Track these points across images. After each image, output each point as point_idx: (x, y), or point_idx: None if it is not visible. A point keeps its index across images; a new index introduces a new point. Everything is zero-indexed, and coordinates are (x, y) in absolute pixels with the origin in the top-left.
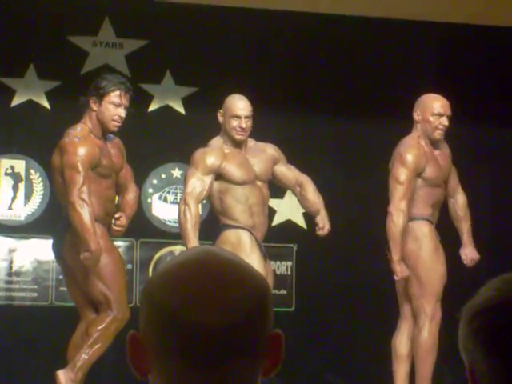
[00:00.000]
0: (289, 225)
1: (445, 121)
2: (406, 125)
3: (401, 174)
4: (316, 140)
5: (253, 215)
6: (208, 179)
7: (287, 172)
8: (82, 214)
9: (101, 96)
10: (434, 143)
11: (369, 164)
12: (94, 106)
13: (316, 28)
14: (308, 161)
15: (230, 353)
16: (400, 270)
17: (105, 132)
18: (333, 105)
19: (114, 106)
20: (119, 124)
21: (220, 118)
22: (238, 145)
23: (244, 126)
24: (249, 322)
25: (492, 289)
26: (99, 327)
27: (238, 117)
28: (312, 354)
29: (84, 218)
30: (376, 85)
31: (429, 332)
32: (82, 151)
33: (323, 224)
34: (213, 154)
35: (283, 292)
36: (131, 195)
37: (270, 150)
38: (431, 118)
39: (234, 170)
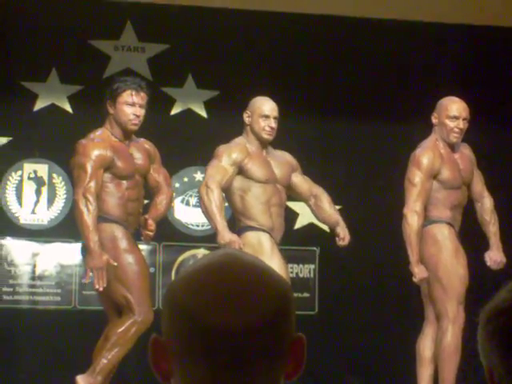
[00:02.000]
0: (311, 228)
1: (460, 124)
2: (425, 128)
3: (415, 175)
4: (334, 144)
5: (272, 216)
6: (230, 169)
7: (302, 182)
8: (84, 212)
9: (114, 98)
10: (452, 146)
11: (388, 167)
12: (111, 110)
13: (335, 31)
14: (326, 165)
15: (252, 356)
16: (418, 272)
17: (126, 133)
18: (352, 108)
19: (127, 106)
20: (137, 123)
21: (246, 119)
22: (261, 146)
23: (273, 125)
24: (271, 325)
25: (508, 290)
26: (119, 330)
27: (268, 117)
28: (335, 357)
29: (84, 216)
30: (397, 88)
31: (452, 335)
32: (91, 151)
33: (344, 234)
34: (237, 148)
35: (306, 295)
36: (161, 198)
37: (289, 157)
38: (447, 121)
39: (256, 167)
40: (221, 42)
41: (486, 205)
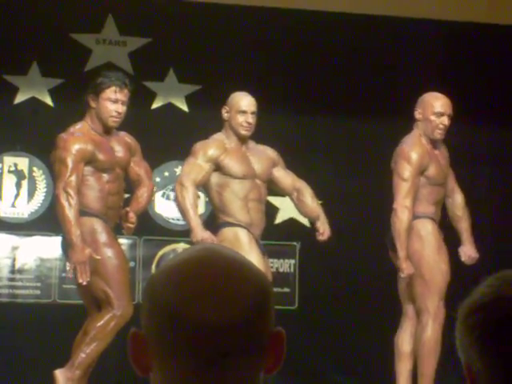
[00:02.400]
0: (292, 223)
1: (445, 120)
2: (407, 124)
3: (405, 171)
4: (317, 139)
5: (250, 211)
6: (206, 166)
7: (285, 176)
8: (65, 206)
9: (97, 93)
10: (433, 142)
11: (370, 162)
12: (93, 104)
13: (317, 26)
14: (309, 160)
15: (231, 350)
16: (406, 267)
17: (106, 128)
18: (334, 104)
19: (110, 102)
20: (118, 119)
21: (225, 115)
22: (239, 141)
23: (250, 121)
24: (250, 319)
25: (486, 286)
26: (98, 324)
27: (245, 112)
28: (315, 352)
29: (66, 210)
30: (378, 83)
31: (432, 330)
32: (71, 146)
33: (323, 229)
34: (213, 144)
35: (286, 290)
36: (142, 191)
37: (270, 152)
38: (432, 117)
39: (233, 163)
40: (202, 36)
41: (458, 200)
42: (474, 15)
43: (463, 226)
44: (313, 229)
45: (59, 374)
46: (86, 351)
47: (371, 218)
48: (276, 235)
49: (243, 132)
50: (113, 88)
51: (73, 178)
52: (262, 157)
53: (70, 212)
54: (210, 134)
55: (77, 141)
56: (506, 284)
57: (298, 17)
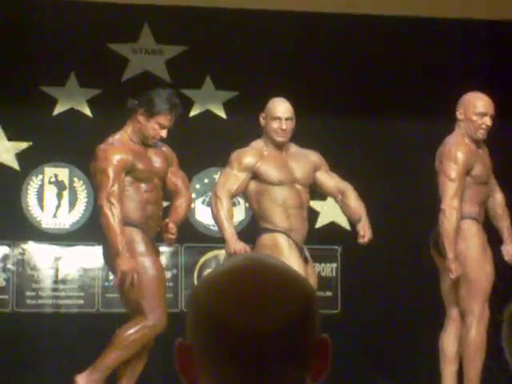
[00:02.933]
0: (333, 226)
1: (488, 120)
2: (447, 124)
3: (452, 171)
4: (357, 142)
5: (289, 217)
6: (242, 175)
7: (329, 179)
8: (109, 216)
9: (151, 113)
10: (476, 142)
11: (409, 163)
12: (141, 119)
13: (353, 29)
14: (347, 162)
15: (277, 358)
16: (455, 268)
17: (145, 143)
18: (374, 106)
19: (159, 127)
20: (157, 141)
21: (262, 121)
22: (278, 147)
23: (284, 127)
24: (295, 326)
25: None
26: (126, 333)
27: (279, 118)
28: (358, 356)
29: (110, 220)
30: (416, 84)
31: (477, 332)
32: (112, 156)
33: (364, 232)
34: (250, 152)
35: (328, 294)
36: (180, 201)
37: (313, 156)
38: (474, 117)
39: (270, 170)
40: (239, 43)
41: (498, 199)
42: (504, 14)
43: (504, 224)
44: (354, 232)
45: (80, 378)
46: (111, 356)
47: (411, 219)
48: (317, 239)
49: (278, 138)
50: (168, 116)
51: (115, 188)
52: (303, 161)
53: (114, 222)
54: (247, 140)
55: (117, 151)
56: None
57: (335, 20)
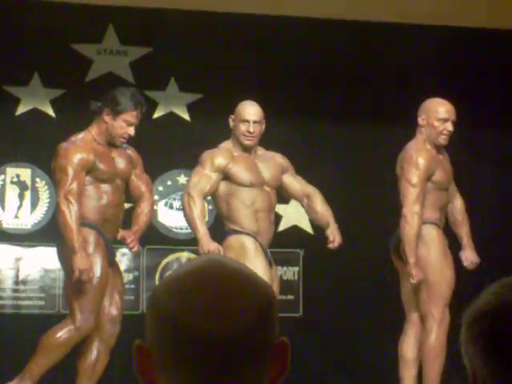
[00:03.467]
0: (295, 230)
1: (449, 126)
2: (410, 129)
3: (413, 176)
4: (320, 145)
5: (257, 220)
6: (214, 176)
7: (295, 182)
8: (66, 214)
9: (117, 112)
10: (437, 147)
11: (373, 169)
12: (107, 119)
13: (319, 33)
14: (312, 166)
15: (236, 362)
16: (416, 273)
17: (111, 144)
18: (337, 110)
19: (126, 124)
20: (125, 140)
21: (231, 123)
22: (246, 150)
23: (252, 130)
24: (254, 330)
25: (491, 293)
26: (54, 336)
27: (247, 121)
28: (319, 359)
29: (67, 218)
30: (380, 90)
31: (437, 336)
32: (73, 155)
33: (333, 237)
34: (221, 153)
35: (290, 297)
36: (142, 206)
37: (279, 158)
38: (436, 123)
39: (241, 171)
40: (203, 45)
41: (458, 205)
42: (474, 20)
43: (463, 230)
44: (316, 236)
45: None
46: (38, 363)
47: (374, 224)
48: (279, 243)
49: (245, 141)
50: (134, 113)
51: (73, 186)
52: (271, 163)
53: (71, 219)
54: (211, 142)
55: (78, 150)
56: (510, 291)
57: (301, 24)
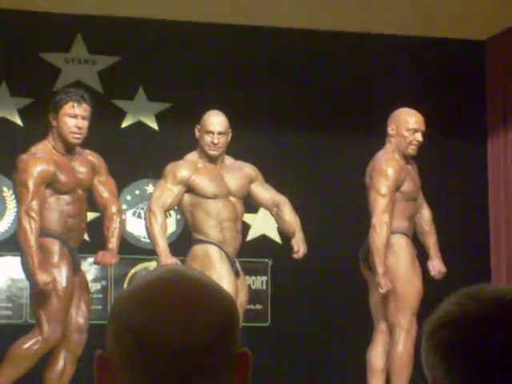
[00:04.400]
0: (263, 239)
1: (419, 136)
2: (379, 139)
3: (382, 186)
4: (288, 155)
5: (223, 230)
6: (176, 189)
7: (264, 192)
8: (27, 230)
9: (57, 110)
10: (406, 158)
11: (342, 178)
12: (54, 122)
13: (287, 43)
14: (280, 176)
15: (196, 372)
16: (385, 283)
17: (68, 147)
18: (306, 120)
19: (69, 118)
20: (79, 135)
21: (197, 133)
22: (212, 160)
23: (216, 141)
24: (215, 341)
25: (451, 303)
26: (21, 348)
27: (212, 132)
28: (287, 368)
29: (28, 234)
30: (349, 100)
31: (404, 346)
32: (32, 168)
33: (298, 247)
34: (184, 166)
35: (258, 307)
36: (111, 219)
37: (247, 168)
38: (406, 133)
39: (204, 183)
40: (172, 55)
41: (426, 216)
42: (443, 31)
43: (431, 240)
44: (285, 245)
45: None
46: (5, 373)
47: (342, 234)
48: (248, 252)
49: (210, 152)
50: (70, 103)
51: (34, 202)
52: (238, 173)
53: (31, 236)
54: (180, 151)
55: (38, 162)
56: (469, 301)
57: (267, 34)
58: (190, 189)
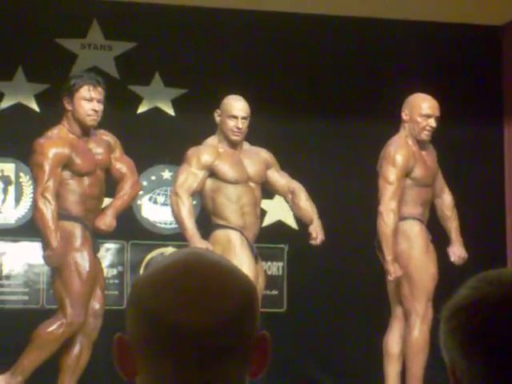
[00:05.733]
0: (279, 225)
1: (432, 122)
2: (396, 124)
3: (390, 173)
4: (305, 141)
5: (244, 215)
6: (200, 173)
7: (279, 178)
8: (44, 212)
9: (71, 94)
10: (420, 143)
11: (359, 164)
12: (68, 106)
13: (304, 29)
14: (297, 162)
15: (215, 354)
16: (394, 270)
17: (84, 129)
18: (322, 106)
19: (85, 101)
20: (96, 118)
21: (217, 118)
22: (233, 145)
23: (241, 126)
24: (235, 323)
25: (468, 287)
26: (46, 331)
27: (235, 117)
28: (303, 354)
29: (45, 216)
30: (364, 85)
31: (420, 331)
32: (48, 150)
33: (316, 234)
34: (206, 151)
35: (274, 292)
36: (125, 186)
37: (264, 153)
38: (419, 119)
39: (226, 168)
40: (188, 40)
41: (447, 201)
42: (459, 16)
43: (452, 225)
44: (301, 231)
45: (1, 380)
46: (30, 358)
47: (360, 220)
48: (264, 238)
49: (233, 137)
50: (86, 87)
51: (50, 183)
52: (256, 159)
53: (48, 217)
54: (196, 137)
55: (53, 145)
56: (487, 285)
57: (285, 19)
58: (212, 174)
